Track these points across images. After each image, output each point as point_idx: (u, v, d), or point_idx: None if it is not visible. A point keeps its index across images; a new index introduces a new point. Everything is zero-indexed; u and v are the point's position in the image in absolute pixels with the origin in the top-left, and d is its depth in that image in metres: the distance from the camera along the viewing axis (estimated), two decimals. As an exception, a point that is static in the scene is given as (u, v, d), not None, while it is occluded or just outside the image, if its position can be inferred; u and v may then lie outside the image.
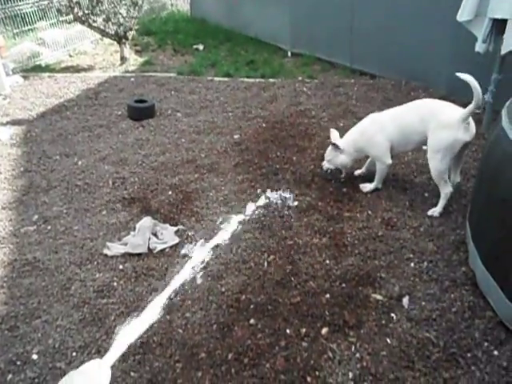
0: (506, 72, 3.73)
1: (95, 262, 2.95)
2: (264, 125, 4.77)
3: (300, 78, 6.35)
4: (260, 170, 3.90)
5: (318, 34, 7.08)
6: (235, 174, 3.87)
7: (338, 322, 2.34)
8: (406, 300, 2.41)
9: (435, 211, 3.08)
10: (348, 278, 2.61)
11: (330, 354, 2.17)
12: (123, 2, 7.62)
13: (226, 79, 6.58)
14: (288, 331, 2.33)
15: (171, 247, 3.03)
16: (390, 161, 3.32)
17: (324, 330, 2.31)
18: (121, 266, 2.90)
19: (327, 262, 2.77)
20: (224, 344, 2.29)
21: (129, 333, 2.39)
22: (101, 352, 2.30)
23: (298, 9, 7.46)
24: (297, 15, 7.52)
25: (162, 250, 3.01)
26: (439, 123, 2.96)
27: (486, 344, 2.13)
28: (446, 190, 3.03)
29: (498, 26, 3.38)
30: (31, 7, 8.51)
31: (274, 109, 5.23)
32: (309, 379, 2.06)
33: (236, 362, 2.19)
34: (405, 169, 3.77)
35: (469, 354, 2.09)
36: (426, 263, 2.66)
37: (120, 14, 7.64)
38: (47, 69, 7.99)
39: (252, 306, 2.50)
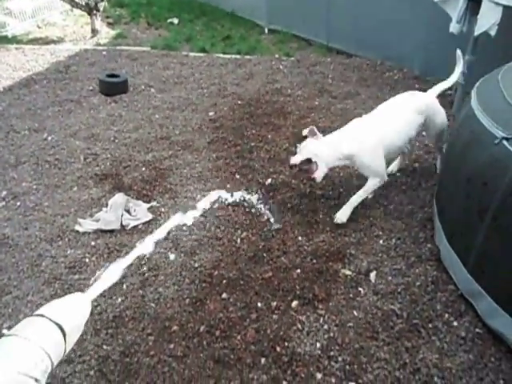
0: (478, 53, 3.80)
1: (66, 239, 2.93)
2: (239, 102, 4.74)
3: (276, 56, 6.30)
4: (235, 147, 3.90)
5: (295, 10, 7.01)
6: (210, 152, 3.86)
7: (308, 295, 2.41)
8: (373, 275, 2.49)
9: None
10: (319, 254, 2.67)
11: (299, 326, 2.24)
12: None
13: (201, 55, 6.47)
14: (259, 305, 2.38)
15: (144, 223, 3.03)
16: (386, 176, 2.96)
17: (294, 303, 2.38)
18: (93, 243, 2.88)
19: (299, 238, 2.82)
20: (196, 317, 2.33)
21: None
22: (73, 327, 2.31)
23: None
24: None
25: (135, 227, 3.00)
26: (436, 109, 3.08)
27: (446, 315, 2.24)
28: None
29: (473, 6, 3.43)
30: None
31: (249, 86, 5.20)
32: (278, 349, 2.13)
33: (208, 335, 2.24)
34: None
35: (430, 325, 2.20)
36: (394, 240, 2.75)
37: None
38: (14, 40, 7.65)
39: (224, 281, 2.55)
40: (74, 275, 2.64)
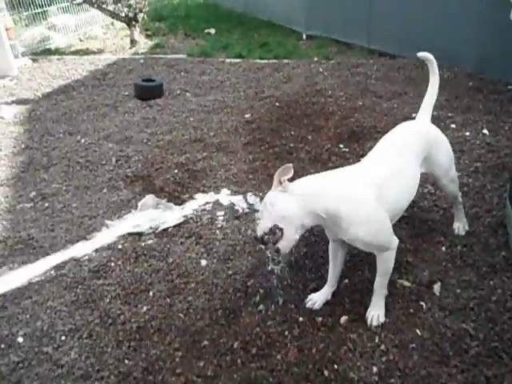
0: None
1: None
2: (277, 104, 4.49)
3: (315, 59, 6.04)
4: (273, 149, 3.62)
5: (335, 14, 6.76)
6: (246, 153, 3.61)
7: (360, 310, 2.07)
8: (437, 287, 2.12)
9: (460, 228, 2.45)
10: (369, 262, 2.32)
11: (351, 346, 1.89)
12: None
13: (237, 60, 6.30)
14: (301, 319, 2.06)
15: (175, 227, 2.78)
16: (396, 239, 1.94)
17: (343, 319, 2.03)
18: (119, 246, 2.66)
19: (347, 244, 2.48)
20: (229, 331, 2.03)
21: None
22: (92, 336, 2.06)
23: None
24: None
25: (165, 230, 2.76)
26: (437, 137, 2.27)
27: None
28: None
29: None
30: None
31: (288, 89, 4.94)
32: (326, 373, 1.79)
33: (242, 352, 1.93)
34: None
35: (514, 349, 1.80)
36: (459, 247, 2.36)
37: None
38: (57, 52, 7.81)
39: (261, 292, 2.24)
40: (97, 280, 2.41)
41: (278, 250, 1.77)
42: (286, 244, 1.77)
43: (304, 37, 7.49)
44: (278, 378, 1.80)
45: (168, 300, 2.24)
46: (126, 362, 1.94)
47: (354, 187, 1.85)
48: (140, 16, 7.90)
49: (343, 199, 1.79)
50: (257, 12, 8.96)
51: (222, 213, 2.89)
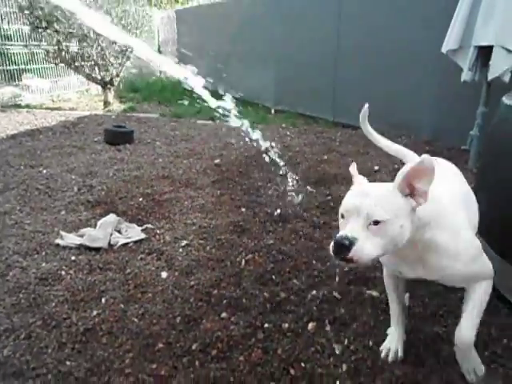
0: (491, 106, 3.75)
1: (43, 253, 2.52)
2: (246, 154, 4.61)
3: (284, 125, 6.36)
4: (241, 186, 3.65)
5: (302, 91, 7.28)
6: (214, 189, 3.59)
7: (328, 317, 1.96)
8: (406, 297, 2.06)
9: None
10: (339, 276, 2.26)
11: (319, 348, 1.76)
12: (112, 48, 7.70)
13: (209, 122, 6.54)
14: (266, 325, 1.92)
15: (136, 242, 2.64)
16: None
17: (310, 325, 1.91)
18: (73, 257, 2.47)
19: (313, 262, 2.42)
20: (188, 336, 1.86)
21: None
22: (31, 338, 1.82)
23: (283, 69, 7.76)
24: (281, 75, 7.80)
25: (125, 245, 2.61)
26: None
27: (505, 340, 1.78)
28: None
29: (483, 53, 3.45)
30: (20, 48, 8.61)
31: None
32: (292, 372, 1.63)
33: (201, 354, 1.75)
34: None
35: (486, 352, 1.73)
36: (424, 266, 2.34)
37: (108, 59, 7.70)
38: (27, 107, 7.85)
39: (225, 301, 2.10)
40: (44, 286, 2.19)
41: (353, 261, 1.22)
42: (363, 254, 1.20)
43: (273, 111, 7.96)
44: (240, 377, 1.63)
45: (122, 306, 2.06)
46: (68, 363, 1.71)
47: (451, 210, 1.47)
48: (116, 80, 8.21)
49: (441, 224, 1.38)
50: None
51: (187, 231, 2.79)
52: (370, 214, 1.21)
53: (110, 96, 8.18)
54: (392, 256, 1.45)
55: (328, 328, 1.89)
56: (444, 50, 3.72)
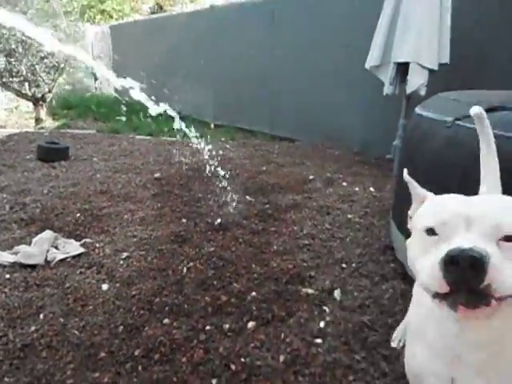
0: (411, 118, 4.12)
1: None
2: (186, 167, 4.67)
3: (223, 139, 6.50)
4: (181, 198, 3.70)
5: (239, 106, 7.51)
6: (154, 202, 3.62)
7: (267, 316, 2.07)
8: (337, 292, 2.23)
9: None
10: (275, 278, 2.39)
11: (258, 344, 1.87)
12: (43, 63, 7.48)
13: (148, 137, 6.53)
14: (208, 328, 1.99)
15: (74, 257, 2.61)
16: None
17: (250, 324, 2.02)
18: (7, 276, 2.41)
19: (253, 266, 2.54)
20: (130, 343, 1.89)
21: None
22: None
23: (220, 85, 7.96)
24: (219, 91, 7.98)
25: (63, 260, 2.58)
26: None
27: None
28: None
29: (402, 69, 3.81)
30: None
31: (197, 158, 5.18)
32: (233, 367, 1.72)
33: (144, 359, 1.79)
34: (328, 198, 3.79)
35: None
36: (354, 264, 2.54)
37: (39, 74, 7.48)
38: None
39: (167, 308, 2.15)
40: (-24, 306, 2.12)
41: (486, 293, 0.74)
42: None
43: (212, 126, 8.08)
44: (183, 377, 1.69)
45: (61, 320, 2.04)
46: (6, 379, 1.68)
47: None
48: (48, 96, 7.96)
49: None
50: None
51: (127, 244, 2.80)
52: (502, 225, 0.78)
53: (42, 113, 7.91)
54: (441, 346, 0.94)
55: (266, 325, 2.00)
56: (367, 65, 4.05)
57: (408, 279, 2.31)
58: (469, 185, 1.87)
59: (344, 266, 2.52)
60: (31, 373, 1.71)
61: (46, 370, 1.72)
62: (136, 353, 1.82)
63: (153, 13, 16.48)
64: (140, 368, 1.74)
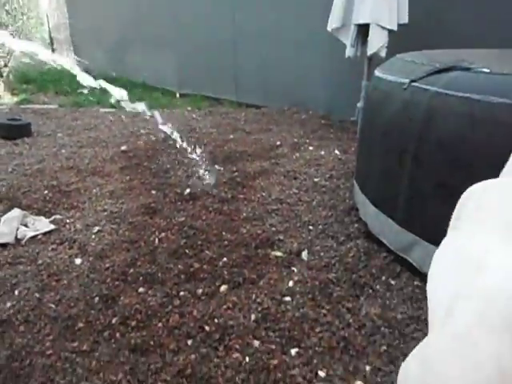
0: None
1: None
2: (154, 138, 4.64)
3: (189, 108, 6.44)
4: (149, 170, 3.71)
5: (205, 74, 7.38)
6: (123, 175, 3.61)
7: (238, 279, 2.17)
8: (304, 253, 2.34)
9: None
10: (245, 243, 2.48)
11: (230, 305, 1.97)
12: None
13: (112, 110, 6.39)
14: (182, 293, 2.08)
15: (45, 234, 2.62)
16: None
17: (223, 288, 2.11)
18: (-23, 256, 2.40)
19: (223, 233, 2.61)
20: (107, 313, 1.96)
21: None
22: None
23: (184, 53, 7.77)
24: (183, 59, 7.80)
25: (34, 238, 2.58)
26: None
27: (383, 277, 2.12)
28: None
29: (362, 31, 3.84)
30: None
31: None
32: (207, 328, 1.82)
33: (121, 326, 1.87)
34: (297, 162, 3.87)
35: (368, 288, 2.06)
36: (321, 226, 2.66)
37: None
38: None
39: (141, 278, 2.21)
40: None
41: None
42: None
43: (177, 95, 7.95)
44: (159, 340, 1.78)
45: (37, 295, 2.08)
46: (-15, 355, 1.73)
47: None
48: (5, 71, 7.61)
49: None
50: (131, 75, 9.28)
51: (98, 218, 2.82)
52: None
53: (0, 88, 7.57)
54: None
55: (238, 288, 2.10)
56: (329, 28, 4.06)
57: (371, 237, 2.45)
58: (424, 147, 1.99)
59: (311, 228, 2.63)
60: (10, 346, 1.76)
61: (26, 343, 1.78)
62: (113, 321, 1.89)
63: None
64: (118, 335, 1.82)
